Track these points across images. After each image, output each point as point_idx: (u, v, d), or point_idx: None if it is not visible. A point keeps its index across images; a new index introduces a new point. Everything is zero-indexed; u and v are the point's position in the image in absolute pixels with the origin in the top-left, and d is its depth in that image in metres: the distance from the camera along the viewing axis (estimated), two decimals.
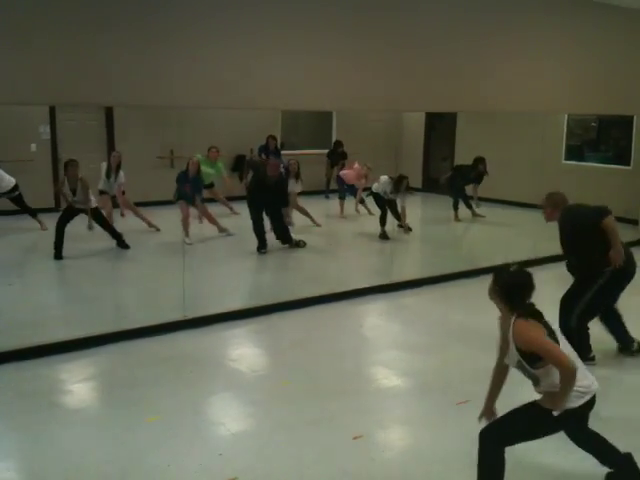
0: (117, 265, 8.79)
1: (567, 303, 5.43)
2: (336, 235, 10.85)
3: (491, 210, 11.43)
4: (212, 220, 9.77)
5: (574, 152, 11.91)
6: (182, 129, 9.35)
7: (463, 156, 11.83)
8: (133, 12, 5.35)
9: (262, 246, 8.99)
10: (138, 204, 10.09)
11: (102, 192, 9.45)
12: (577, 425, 3.45)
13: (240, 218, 10.56)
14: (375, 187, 10.10)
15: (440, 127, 14.02)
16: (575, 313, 5.37)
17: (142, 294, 7.34)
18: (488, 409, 3.61)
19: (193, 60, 5.67)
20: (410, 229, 10.29)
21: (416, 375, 5.30)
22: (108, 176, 9.41)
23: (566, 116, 11.85)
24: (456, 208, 11.32)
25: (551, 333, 3.28)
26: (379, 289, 7.47)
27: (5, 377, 5.11)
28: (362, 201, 11.33)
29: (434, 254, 9.70)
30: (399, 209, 10.02)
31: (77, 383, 5.20)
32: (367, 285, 7.51)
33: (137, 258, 8.89)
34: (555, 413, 3.25)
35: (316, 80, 6.39)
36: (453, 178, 11.30)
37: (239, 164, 12.37)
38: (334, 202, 11.91)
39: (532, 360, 3.24)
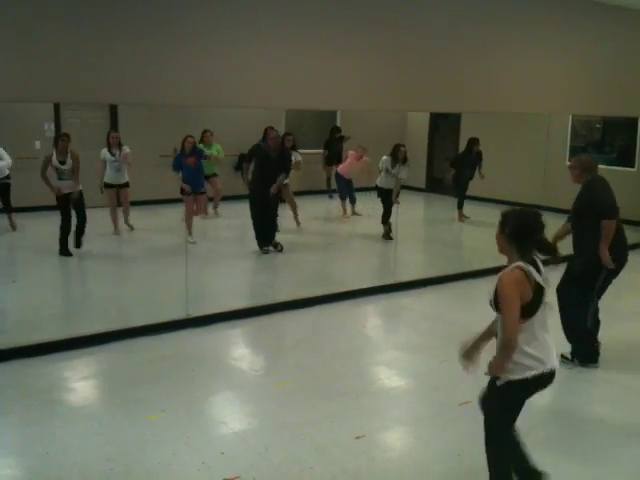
0: (120, 263, 8.81)
1: (571, 299, 5.43)
2: (338, 235, 10.85)
3: (494, 210, 11.39)
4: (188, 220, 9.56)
5: (578, 153, 11.88)
6: (186, 127, 9.32)
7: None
8: (138, 11, 5.36)
9: (265, 243, 8.93)
10: (142, 202, 10.10)
11: (107, 185, 9.44)
12: (510, 402, 3.28)
13: (244, 217, 10.55)
14: (379, 180, 10.04)
15: (444, 127, 14.00)
16: (589, 312, 5.41)
17: (146, 292, 7.35)
18: (472, 347, 3.50)
19: (198, 59, 5.68)
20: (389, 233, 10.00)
21: (418, 376, 5.31)
22: (112, 153, 9.39)
23: (571, 117, 11.84)
24: (460, 207, 11.30)
25: (538, 288, 3.17)
26: (381, 289, 7.47)
27: (8, 374, 5.13)
28: (353, 201, 11.34)
29: (437, 254, 9.70)
30: (396, 186, 9.91)
31: (80, 381, 5.21)
32: (369, 285, 7.52)
33: (140, 256, 8.91)
34: (497, 383, 3.19)
35: (320, 80, 6.39)
36: (457, 171, 11.23)
37: (242, 163, 12.36)
38: (336, 202, 11.89)
39: (497, 304, 3.19)
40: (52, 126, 11.12)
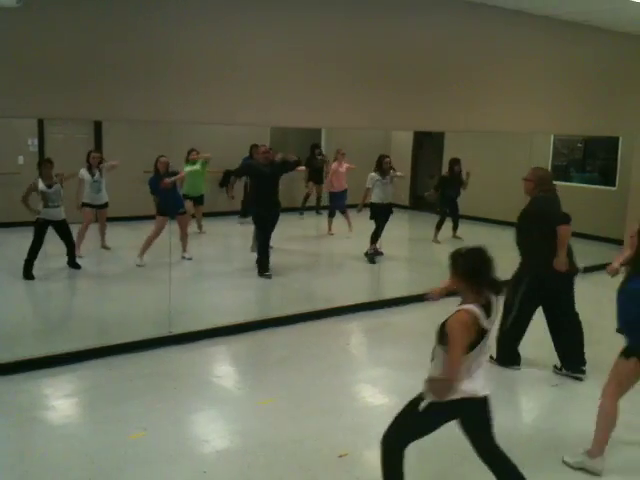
0: (101, 280, 8.74)
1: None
2: (323, 252, 10.86)
3: (477, 228, 11.48)
4: (184, 237, 9.36)
5: (560, 172, 11.99)
6: (170, 144, 9.32)
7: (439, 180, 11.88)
8: (123, 27, 5.38)
9: (266, 270, 8.58)
10: (125, 219, 10.03)
11: (85, 205, 9.14)
12: (433, 419, 3.39)
13: (228, 233, 10.55)
14: (373, 197, 9.72)
15: (428, 145, 14.10)
16: (512, 314, 5.60)
17: (127, 310, 7.28)
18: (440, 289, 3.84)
19: (183, 76, 5.70)
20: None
21: (402, 393, 5.23)
22: (92, 174, 9.06)
23: (552, 136, 11.97)
24: (439, 228, 11.24)
25: (482, 331, 3.26)
26: (365, 306, 7.47)
27: None
28: (332, 215, 11.27)
29: (420, 272, 9.71)
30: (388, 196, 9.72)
31: (60, 399, 5.15)
32: (353, 302, 7.52)
33: (122, 273, 8.85)
34: (422, 404, 3.31)
35: (305, 98, 6.44)
36: (443, 190, 11.22)
37: (227, 179, 12.36)
38: (310, 220, 11.85)
39: (444, 339, 3.29)
40: (35, 141, 11.06)
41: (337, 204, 11.30)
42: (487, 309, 3.30)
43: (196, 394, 5.21)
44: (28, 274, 8.03)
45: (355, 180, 10.88)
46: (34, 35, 5.02)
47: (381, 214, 9.73)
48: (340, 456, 4.23)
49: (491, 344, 3.48)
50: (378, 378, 5.71)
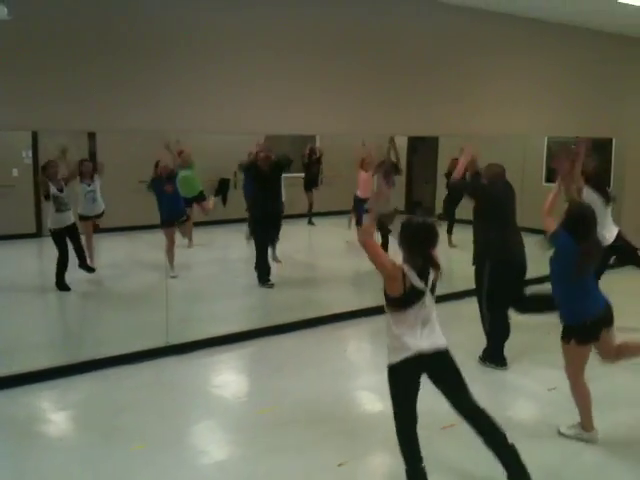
0: (98, 291, 8.72)
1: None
2: (320, 259, 10.84)
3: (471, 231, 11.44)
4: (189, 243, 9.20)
5: (554, 174, 12.02)
6: (165, 153, 9.31)
7: (445, 178, 11.87)
8: (118, 39, 5.38)
9: (267, 278, 8.50)
10: (121, 229, 10.00)
11: (83, 217, 8.90)
12: (397, 384, 3.71)
13: (224, 242, 10.48)
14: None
15: (422, 150, 14.09)
16: (482, 304, 5.82)
17: (124, 321, 7.26)
18: None
19: (179, 86, 5.71)
20: None
21: None
22: (87, 184, 8.78)
23: (546, 138, 11.99)
24: (450, 232, 11.23)
25: (412, 289, 3.58)
26: (364, 312, 7.46)
27: None
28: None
29: None
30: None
31: (59, 411, 5.14)
32: (351, 309, 7.50)
33: (119, 284, 8.83)
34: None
35: (299, 104, 6.44)
36: (448, 197, 11.17)
37: (223, 187, 12.37)
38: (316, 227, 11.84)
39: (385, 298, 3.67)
40: (30, 153, 11.04)
41: (362, 213, 10.87)
42: (421, 274, 3.60)
43: (195, 404, 5.19)
44: (62, 285, 8.00)
45: (352, 186, 10.88)
46: (27, 47, 5.01)
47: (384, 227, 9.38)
48: (340, 464, 4.21)
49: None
50: (377, 385, 5.65)
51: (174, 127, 5.98)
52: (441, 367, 3.71)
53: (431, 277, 3.65)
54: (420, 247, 3.62)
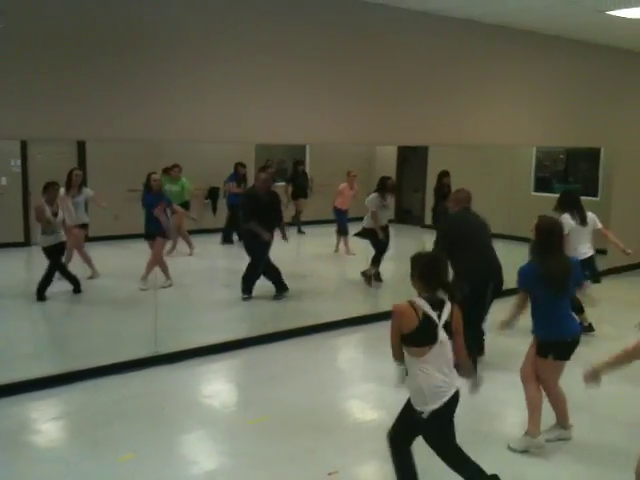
0: (87, 301, 8.65)
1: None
2: (308, 268, 10.84)
3: None
4: (161, 264, 8.80)
5: (543, 183, 12.10)
6: (154, 162, 9.30)
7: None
8: (107, 47, 5.38)
9: (248, 290, 8.38)
10: (110, 238, 9.95)
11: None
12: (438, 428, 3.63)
13: (213, 251, 10.43)
14: (365, 220, 9.34)
15: (412, 159, 14.14)
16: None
17: (113, 331, 7.21)
18: None
19: (168, 95, 5.72)
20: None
21: (391, 408, 5.21)
22: (72, 195, 8.62)
23: (534, 148, 12.07)
24: None
25: (427, 320, 3.49)
26: (354, 321, 7.47)
27: None
28: (346, 233, 10.87)
29: (407, 286, 9.65)
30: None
31: (47, 422, 5.10)
32: (341, 318, 7.51)
33: (108, 293, 8.78)
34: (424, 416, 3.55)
35: (289, 114, 6.46)
36: (436, 208, 11.21)
37: (212, 196, 12.35)
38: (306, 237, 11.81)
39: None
40: (18, 162, 10.99)
41: (344, 224, 10.91)
42: (437, 306, 3.54)
43: (185, 414, 5.17)
44: (41, 296, 7.93)
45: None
46: (15, 55, 5.01)
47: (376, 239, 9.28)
48: (330, 474, 4.21)
49: None
50: (367, 394, 5.69)
51: (163, 136, 5.99)
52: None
53: (446, 310, 3.55)
54: (431, 279, 3.60)
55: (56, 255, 8.05)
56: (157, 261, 8.59)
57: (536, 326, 4.53)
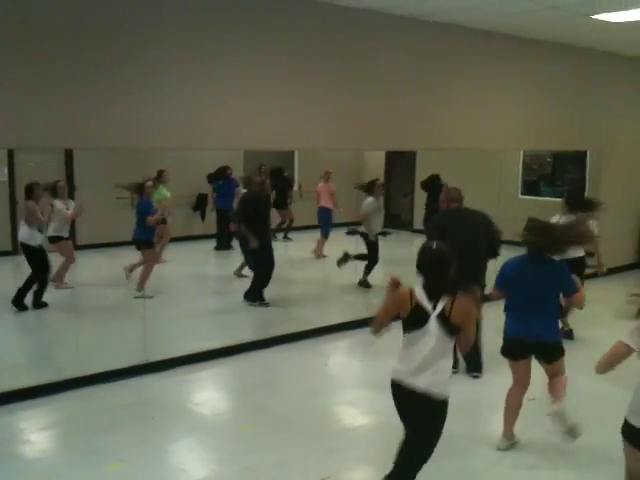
0: (75, 310, 8.62)
1: None
2: (297, 274, 10.83)
3: None
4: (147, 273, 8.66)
5: (530, 187, 12.18)
6: (142, 169, 9.27)
7: (423, 192, 11.95)
8: (92, 53, 5.37)
9: (261, 296, 8.40)
10: (98, 245, 9.90)
11: (57, 238, 8.51)
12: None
13: (201, 258, 10.39)
14: (369, 226, 9.27)
15: (400, 164, 14.21)
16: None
17: (102, 339, 7.17)
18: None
19: (154, 101, 5.70)
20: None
21: (382, 414, 5.27)
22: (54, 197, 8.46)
23: (522, 152, 12.13)
24: None
25: (418, 310, 3.55)
26: (343, 326, 7.47)
27: None
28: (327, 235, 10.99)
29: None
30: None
31: (37, 431, 5.06)
32: (331, 323, 7.51)
33: (97, 301, 8.74)
34: None
35: (278, 120, 6.47)
36: (428, 215, 11.21)
37: (200, 203, 12.33)
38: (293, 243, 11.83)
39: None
40: (5, 170, 10.93)
41: (328, 226, 11.00)
42: (431, 297, 3.55)
43: (174, 422, 5.15)
44: (20, 304, 7.92)
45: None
46: (0, 63, 4.99)
47: (376, 242, 9.34)
48: None
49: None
50: (358, 399, 5.69)
51: (151, 144, 5.97)
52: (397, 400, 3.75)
53: (441, 303, 3.52)
54: (429, 272, 3.59)
55: (43, 260, 7.99)
56: (151, 269, 8.52)
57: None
